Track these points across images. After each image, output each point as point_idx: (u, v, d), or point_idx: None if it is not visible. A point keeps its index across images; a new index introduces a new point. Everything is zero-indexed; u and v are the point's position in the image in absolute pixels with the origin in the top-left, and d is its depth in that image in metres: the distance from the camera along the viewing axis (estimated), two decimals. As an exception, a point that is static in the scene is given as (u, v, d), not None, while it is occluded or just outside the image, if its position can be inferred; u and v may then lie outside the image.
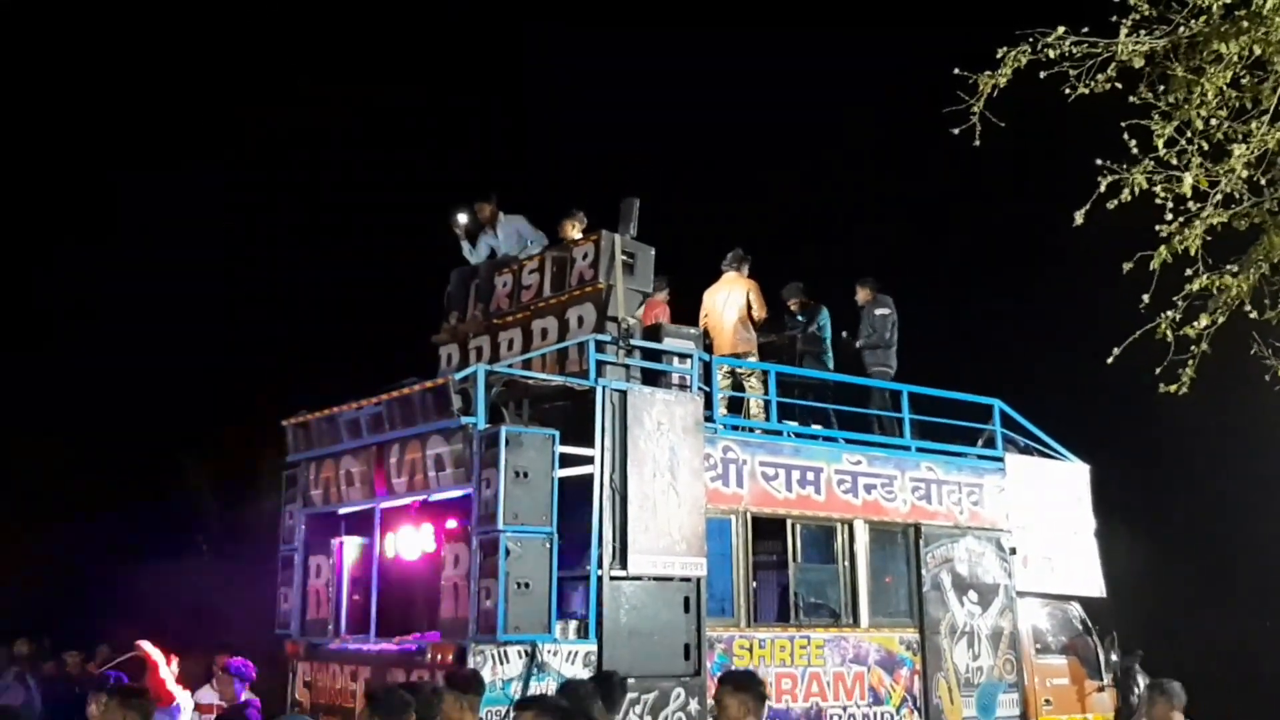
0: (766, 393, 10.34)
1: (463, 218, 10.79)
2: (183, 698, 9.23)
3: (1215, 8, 7.30)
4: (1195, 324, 7.90)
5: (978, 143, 7.67)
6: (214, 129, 25.46)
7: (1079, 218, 7.62)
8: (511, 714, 5.03)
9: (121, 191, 23.69)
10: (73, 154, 23.85)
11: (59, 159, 23.70)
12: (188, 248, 23.30)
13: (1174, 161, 7.52)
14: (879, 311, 12.08)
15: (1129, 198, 7.54)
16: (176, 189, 23.01)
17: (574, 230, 10.20)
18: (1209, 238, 7.78)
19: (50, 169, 23.45)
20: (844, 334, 12.08)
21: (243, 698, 8.67)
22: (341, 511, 9.94)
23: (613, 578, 8.43)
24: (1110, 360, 8.03)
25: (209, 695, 9.88)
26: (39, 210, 23.27)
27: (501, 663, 7.85)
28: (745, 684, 5.25)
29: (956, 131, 7.69)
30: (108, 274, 22.29)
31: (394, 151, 25.91)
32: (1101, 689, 11.63)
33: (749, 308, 11.38)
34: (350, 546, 9.91)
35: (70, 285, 22.51)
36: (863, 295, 12.27)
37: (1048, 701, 11.20)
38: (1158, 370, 8.07)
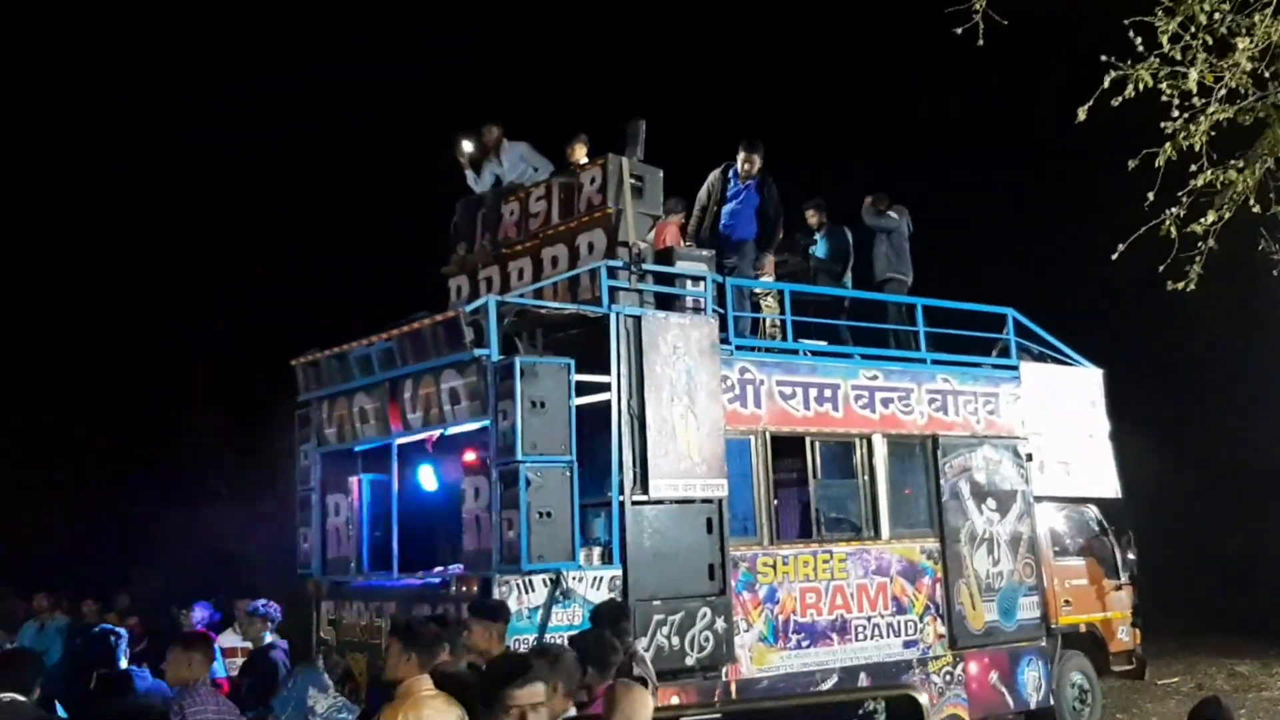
0: (782, 312, 10.26)
1: (467, 145, 10.63)
2: None
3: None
4: (1202, 220, 7.83)
5: (981, 42, 7.52)
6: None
7: (1082, 113, 7.51)
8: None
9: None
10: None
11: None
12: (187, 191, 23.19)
13: (1178, 57, 7.38)
14: (890, 221, 11.93)
15: (1133, 94, 7.41)
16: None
17: (580, 153, 10.04)
18: (1214, 133, 7.67)
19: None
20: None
21: (268, 639, 8.57)
22: (357, 449, 9.89)
23: (634, 502, 8.41)
24: (1115, 256, 7.97)
25: (232, 639, 9.89)
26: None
27: (527, 591, 7.84)
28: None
29: (959, 31, 7.54)
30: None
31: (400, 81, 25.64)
32: (1119, 588, 11.78)
33: None
34: (368, 483, 9.82)
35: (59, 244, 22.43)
36: (877, 207, 12.12)
37: (1067, 602, 11.34)
38: (1160, 269, 8.01)
